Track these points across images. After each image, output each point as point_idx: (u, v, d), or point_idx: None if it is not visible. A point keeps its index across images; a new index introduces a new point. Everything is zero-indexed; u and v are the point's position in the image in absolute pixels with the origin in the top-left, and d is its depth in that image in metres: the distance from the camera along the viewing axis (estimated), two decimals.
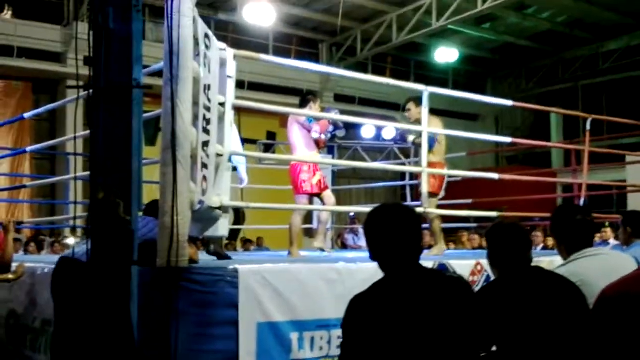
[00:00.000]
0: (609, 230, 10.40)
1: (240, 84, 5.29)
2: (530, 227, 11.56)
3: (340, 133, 6.92)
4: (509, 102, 7.81)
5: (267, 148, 15.00)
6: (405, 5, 17.23)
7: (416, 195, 8.05)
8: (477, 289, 3.93)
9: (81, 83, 3.43)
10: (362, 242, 9.76)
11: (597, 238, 9.60)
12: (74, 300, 3.43)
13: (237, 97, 4.86)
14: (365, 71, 19.12)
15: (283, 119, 17.17)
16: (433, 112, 6.34)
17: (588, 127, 7.86)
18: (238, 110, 4.93)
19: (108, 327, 3.03)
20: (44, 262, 5.50)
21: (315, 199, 6.66)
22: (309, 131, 6.23)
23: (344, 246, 12.87)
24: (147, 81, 3.47)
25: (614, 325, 1.84)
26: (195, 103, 3.94)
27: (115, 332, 3.03)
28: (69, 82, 14.40)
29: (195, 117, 3.96)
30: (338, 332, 3.96)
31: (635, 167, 11.46)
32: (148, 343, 3.41)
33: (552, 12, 18.66)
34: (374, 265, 2.46)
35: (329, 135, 6.76)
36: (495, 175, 7.10)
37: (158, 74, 4.29)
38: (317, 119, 6.26)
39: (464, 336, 2.30)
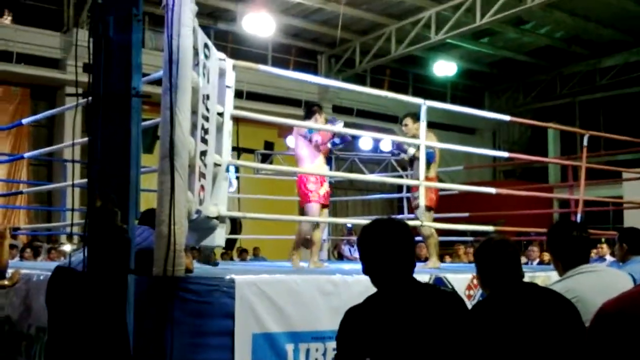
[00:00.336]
0: (605, 246, 10.41)
1: (238, 94, 5.30)
2: (527, 241, 11.58)
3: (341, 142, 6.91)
4: (506, 117, 7.83)
5: (265, 158, 15.00)
6: (404, 18, 17.32)
7: (412, 208, 8.05)
8: (473, 302, 3.93)
9: (80, 90, 3.43)
10: (357, 251, 9.75)
11: (593, 254, 9.61)
12: (69, 309, 3.42)
13: (235, 107, 4.87)
14: (363, 83, 19.19)
15: (281, 129, 17.23)
16: (429, 125, 6.35)
17: (585, 143, 7.88)
18: (236, 119, 4.93)
19: (103, 335, 3.02)
20: (40, 268, 5.48)
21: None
22: (310, 141, 6.23)
23: (341, 257, 12.86)
24: (145, 89, 3.48)
25: (612, 343, 1.83)
26: (194, 112, 3.94)
27: (110, 340, 3.02)
28: (68, 89, 14.43)
29: (194, 127, 3.97)
30: (333, 344, 3.93)
31: (632, 183, 11.48)
32: (143, 352, 3.39)
33: (550, 27, 18.76)
34: None
35: (337, 145, 6.76)
36: (492, 190, 7.10)
37: (157, 82, 4.30)
38: (318, 130, 6.26)
39: (456, 352, 2.30)
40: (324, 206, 6.38)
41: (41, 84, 15.62)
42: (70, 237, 11.83)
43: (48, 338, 3.93)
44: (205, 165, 4.19)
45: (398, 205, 17.33)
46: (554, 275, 3.29)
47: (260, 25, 15.30)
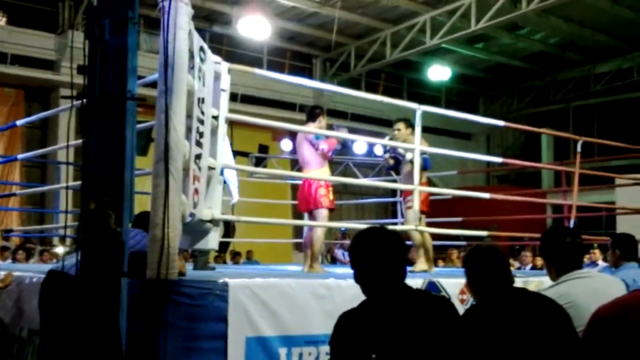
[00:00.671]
0: (597, 251, 10.44)
1: (233, 97, 5.31)
2: (520, 246, 11.60)
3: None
4: (500, 123, 7.85)
5: (259, 161, 15.00)
6: (399, 23, 17.35)
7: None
8: (467, 307, 3.93)
9: (75, 92, 3.43)
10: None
11: (586, 259, 9.63)
12: (62, 313, 3.41)
13: (230, 110, 4.86)
14: (358, 87, 19.21)
15: (275, 132, 17.23)
16: (424, 130, 6.36)
17: (579, 149, 7.91)
18: (231, 123, 4.93)
19: (96, 338, 3.01)
20: (33, 270, 5.46)
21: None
22: (317, 149, 6.20)
23: (334, 261, 12.86)
24: (140, 92, 3.48)
25: (606, 349, 1.83)
26: (189, 116, 3.94)
27: (103, 343, 3.01)
28: (62, 91, 14.39)
29: (189, 130, 3.97)
30: (326, 348, 3.94)
31: (625, 189, 11.53)
32: (136, 355, 3.39)
33: (544, 33, 18.83)
34: None
35: (337, 151, 6.74)
36: (486, 195, 7.12)
37: (152, 84, 4.30)
38: (326, 136, 6.25)
39: (448, 357, 2.30)
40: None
41: (35, 86, 15.58)
42: (63, 239, 11.82)
43: (40, 341, 3.92)
44: (199, 168, 4.19)
45: (392, 209, 17.35)
46: (547, 281, 3.30)
47: (255, 28, 15.32)
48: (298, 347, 4.00)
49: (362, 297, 2.46)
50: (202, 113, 4.24)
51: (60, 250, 11.20)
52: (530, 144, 23.01)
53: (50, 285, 3.88)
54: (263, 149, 16.61)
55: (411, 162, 6.50)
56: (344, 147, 6.72)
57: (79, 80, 3.27)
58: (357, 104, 18.71)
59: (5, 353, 5.10)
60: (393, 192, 12.86)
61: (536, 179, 21.23)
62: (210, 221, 4.44)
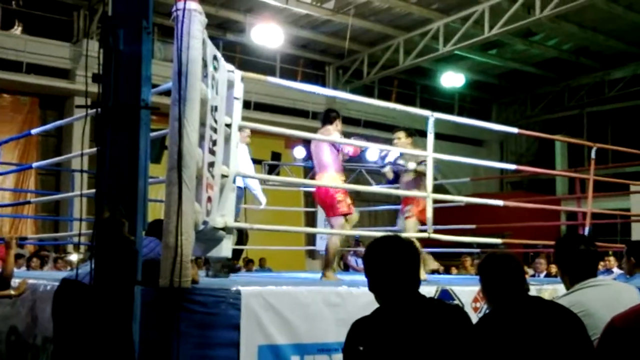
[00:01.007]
0: (612, 259, 10.36)
1: (246, 104, 5.33)
2: (534, 254, 11.54)
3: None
4: (514, 130, 7.82)
5: (272, 169, 15.01)
6: (412, 30, 17.35)
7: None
8: (480, 315, 3.91)
9: (89, 101, 3.45)
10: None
11: (601, 267, 9.56)
12: (76, 321, 3.42)
13: (243, 117, 4.87)
14: (371, 94, 19.22)
15: (288, 140, 17.23)
16: (437, 137, 6.35)
17: (593, 155, 7.86)
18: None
19: (110, 346, 3.02)
20: (47, 278, 5.49)
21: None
22: (339, 151, 6.21)
23: (347, 268, 12.84)
24: (154, 100, 3.49)
25: (622, 357, 1.83)
26: (202, 124, 3.96)
27: (116, 351, 3.03)
28: (77, 99, 14.49)
29: (202, 138, 3.98)
30: (339, 356, 3.93)
31: None
32: None
33: (558, 39, 18.76)
34: None
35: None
36: (499, 202, 7.09)
37: (165, 93, 4.32)
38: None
39: None
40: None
41: (50, 94, 15.70)
42: (77, 247, 11.88)
43: (54, 349, 3.94)
44: (212, 176, 4.20)
45: None
46: (561, 288, 3.28)
47: (268, 36, 15.36)
48: (311, 355, 4.00)
49: (375, 305, 2.46)
50: (215, 121, 4.26)
51: (74, 257, 11.26)
52: (544, 150, 22.91)
53: (63, 294, 3.90)
54: (276, 156, 16.62)
55: (415, 171, 6.54)
56: (358, 155, 6.72)
57: (94, 88, 3.30)
58: (370, 111, 18.71)
59: None
60: None
61: (550, 186, 21.11)
62: (223, 229, 4.45)
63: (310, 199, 11.36)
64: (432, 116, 6.14)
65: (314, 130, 6.82)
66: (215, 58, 4.29)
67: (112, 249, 3.07)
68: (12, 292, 5.11)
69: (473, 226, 8.91)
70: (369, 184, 14.52)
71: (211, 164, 4.16)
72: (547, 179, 21.11)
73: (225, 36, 17.07)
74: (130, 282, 3.11)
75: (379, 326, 2.32)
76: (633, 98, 20.58)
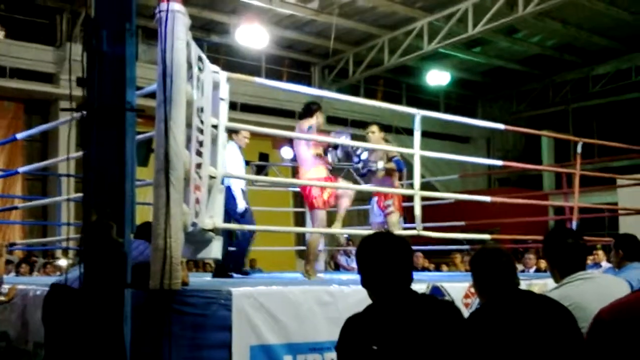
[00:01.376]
0: (600, 252, 10.43)
1: (232, 106, 5.31)
2: (523, 249, 11.58)
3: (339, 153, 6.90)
4: (501, 126, 7.85)
5: (260, 169, 14.98)
6: (396, 28, 17.37)
7: (409, 218, 8.06)
8: (471, 311, 3.92)
9: (74, 104, 3.44)
10: (355, 263, 9.75)
11: (589, 261, 9.62)
12: (66, 326, 3.40)
13: (230, 119, 4.86)
14: (357, 93, 19.23)
15: (275, 140, 17.20)
16: (424, 135, 6.36)
17: (579, 150, 7.91)
18: (230, 131, 4.93)
19: (101, 350, 3.00)
20: (36, 284, 5.46)
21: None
22: (308, 147, 6.22)
23: (337, 268, 12.83)
24: (139, 103, 3.48)
25: (609, 349, 1.83)
26: (188, 125, 3.95)
27: (108, 355, 3.01)
28: (61, 104, 14.41)
29: (188, 139, 3.97)
30: (331, 354, 3.93)
31: (626, 190, 11.52)
32: None
33: (541, 36, 18.84)
34: None
35: (340, 160, 6.74)
36: (487, 198, 7.12)
37: (151, 95, 4.30)
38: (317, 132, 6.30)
39: None
40: (331, 206, 6.35)
41: (35, 99, 15.59)
42: (66, 252, 11.82)
43: (45, 354, 3.92)
44: (200, 177, 4.19)
45: None
46: (551, 283, 3.29)
47: (253, 37, 15.35)
48: (303, 355, 4.00)
49: (366, 303, 2.46)
50: (202, 122, 4.25)
51: (63, 262, 11.19)
52: (530, 146, 23.02)
53: (53, 299, 3.88)
54: (263, 157, 16.59)
55: (384, 170, 6.63)
56: (348, 154, 6.70)
57: (79, 92, 3.28)
58: (357, 110, 18.71)
59: None
60: None
61: (537, 182, 21.22)
62: (212, 230, 4.44)
63: (299, 199, 11.32)
64: (419, 114, 6.15)
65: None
66: (200, 59, 4.28)
67: (100, 252, 3.05)
68: (2, 298, 5.09)
69: (462, 223, 8.93)
70: (358, 183, 14.53)
71: (198, 166, 4.15)
72: (534, 175, 21.20)
73: (210, 38, 17.02)
74: (119, 285, 3.09)
75: (372, 323, 2.32)
76: (617, 93, 20.73)
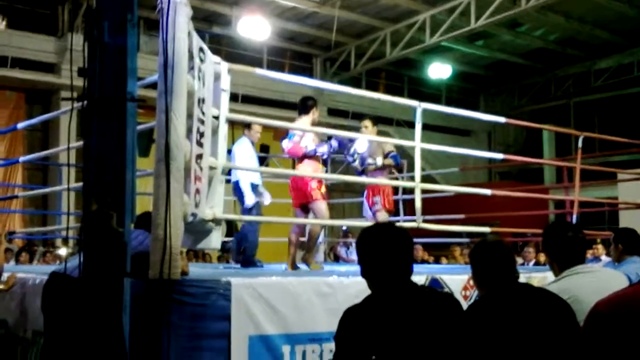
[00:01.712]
0: (600, 246, 10.44)
1: (233, 97, 5.30)
2: (523, 242, 11.59)
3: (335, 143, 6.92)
4: (502, 119, 7.85)
5: (261, 161, 14.97)
6: (399, 21, 17.34)
7: (409, 210, 8.07)
8: (469, 303, 3.93)
9: (75, 94, 3.44)
10: (355, 255, 9.77)
11: (589, 254, 9.63)
12: (65, 315, 3.42)
13: (231, 110, 4.87)
14: (358, 86, 19.19)
15: (276, 132, 17.20)
16: (425, 127, 6.36)
17: (580, 144, 7.90)
18: (231, 123, 4.93)
19: (100, 339, 3.02)
20: (36, 272, 5.48)
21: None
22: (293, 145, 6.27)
23: (337, 259, 12.86)
24: (140, 93, 3.48)
25: (605, 342, 1.84)
26: (189, 116, 3.95)
27: (107, 344, 3.02)
28: (62, 94, 14.41)
29: (189, 130, 3.97)
30: (330, 345, 3.95)
31: (627, 184, 11.52)
32: (140, 355, 3.40)
33: (544, 30, 18.81)
34: None
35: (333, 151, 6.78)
36: (487, 191, 7.12)
37: (152, 86, 4.30)
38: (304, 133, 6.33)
39: (453, 353, 2.32)
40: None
41: (36, 89, 15.59)
42: (65, 241, 11.84)
43: (44, 342, 3.94)
44: (200, 168, 4.20)
45: (395, 207, 17.31)
46: (550, 276, 3.30)
47: (255, 29, 15.33)
48: (301, 345, 4.02)
49: (365, 294, 2.47)
50: (203, 113, 4.25)
51: (63, 251, 11.22)
52: (531, 140, 23.00)
53: (52, 288, 3.89)
54: (264, 148, 16.60)
55: (383, 165, 6.65)
56: (341, 146, 6.73)
57: (80, 82, 3.28)
58: (358, 102, 18.71)
59: (10, 354, 5.12)
60: (394, 190, 12.86)
61: (538, 175, 21.21)
62: (212, 220, 4.45)
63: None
64: (420, 106, 6.15)
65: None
66: (201, 50, 4.28)
67: (100, 241, 3.06)
68: (1, 286, 5.11)
69: (462, 216, 8.95)
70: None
71: (199, 156, 4.16)
72: (535, 169, 21.19)
73: (212, 29, 16.99)
74: (119, 274, 3.11)
75: (371, 314, 2.33)
76: (619, 88, 20.69)
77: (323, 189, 6.27)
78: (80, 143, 3.57)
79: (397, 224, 6.08)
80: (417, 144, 6.13)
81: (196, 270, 5.89)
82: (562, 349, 2.53)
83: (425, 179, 6.88)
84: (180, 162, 3.66)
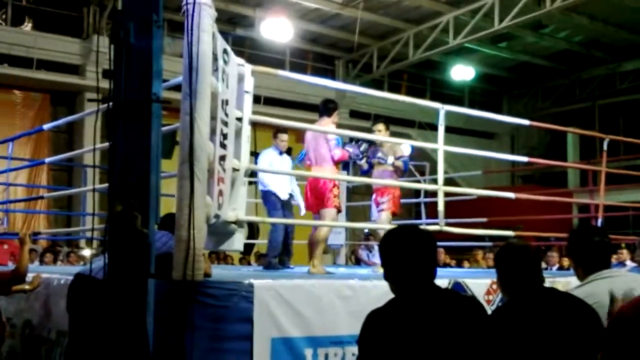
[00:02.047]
0: (625, 251, 10.31)
1: (256, 99, 5.30)
2: (546, 247, 11.49)
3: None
4: (526, 122, 7.79)
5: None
6: (422, 23, 17.28)
7: (431, 212, 8.04)
8: (493, 308, 3.90)
9: (100, 96, 3.47)
10: (376, 258, 9.74)
11: (614, 259, 9.51)
12: (90, 316, 3.44)
13: (253, 112, 4.87)
14: (381, 88, 19.16)
15: (298, 134, 17.23)
16: (447, 130, 6.33)
17: (605, 147, 7.82)
18: (254, 124, 4.94)
19: (124, 339, 3.04)
20: (60, 273, 5.53)
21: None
22: (330, 151, 6.23)
23: (358, 262, 12.84)
24: (164, 95, 3.50)
25: (630, 345, 1.82)
26: (213, 118, 3.97)
27: (131, 344, 3.04)
28: (87, 95, 14.54)
29: (213, 132, 3.99)
30: (352, 348, 3.95)
31: None
32: (163, 356, 3.41)
33: (568, 31, 18.64)
34: None
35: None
36: (511, 195, 7.06)
37: (175, 87, 4.32)
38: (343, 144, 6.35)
39: (478, 357, 2.30)
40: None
41: (61, 90, 15.76)
42: (89, 242, 11.95)
43: (68, 342, 3.97)
44: (224, 170, 4.21)
45: (416, 209, 17.25)
46: (574, 281, 3.26)
47: (278, 30, 15.37)
48: (324, 348, 4.01)
49: (387, 298, 2.45)
50: (226, 115, 4.26)
51: (87, 252, 11.32)
52: (555, 143, 22.78)
53: (77, 289, 3.92)
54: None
55: (392, 165, 6.62)
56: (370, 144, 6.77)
57: (105, 84, 3.30)
58: (380, 104, 18.67)
59: (34, 354, 5.17)
60: (416, 193, 12.79)
61: (562, 179, 21.00)
62: (234, 222, 4.46)
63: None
64: (443, 109, 6.12)
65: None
66: (225, 52, 4.29)
67: (125, 242, 3.08)
68: (27, 286, 5.15)
69: (484, 219, 8.89)
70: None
71: (222, 158, 4.17)
72: (558, 172, 21.00)
73: (235, 31, 17.06)
74: (143, 275, 3.12)
75: (395, 317, 2.32)
76: None
77: (341, 197, 6.26)
78: (105, 144, 3.59)
79: (421, 226, 6.07)
80: (440, 146, 6.10)
81: (218, 272, 5.92)
82: (588, 354, 2.50)
83: (448, 181, 6.85)
84: (203, 164, 3.68)
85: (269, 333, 3.80)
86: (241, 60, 4.76)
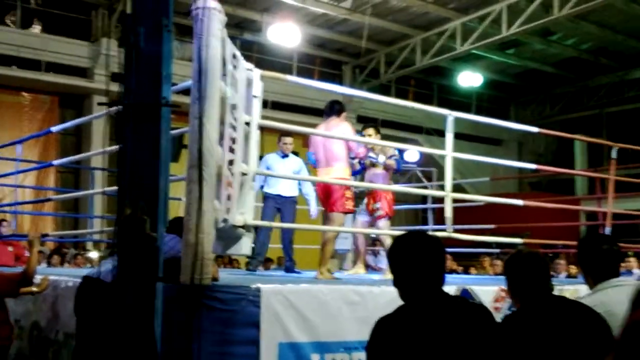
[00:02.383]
0: (633, 260, 10.27)
1: (263, 103, 5.30)
2: (553, 254, 11.45)
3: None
4: (534, 129, 7.76)
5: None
6: (429, 29, 17.29)
7: (438, 219, 8.02)
8: (501, 315, 3.89)
9: (108, 99, 3.48)
10: (382, 263, 9.73)
11: (622, 268, 9.48)
12: (98, 319, 3.45)
13: (261, 117, 4.87)
14: (388, 93, 19.16)
15: (305, 138, 17.25)
16: (454, 136, 6.32)
17: (614, 155, 7.79)
18: (262, 129, 4.94)
19: (131, 343, 3.04)
20: (67, 275, 5.54)
21: None
22: (350, 150, 6.21)
23: (366, 267, 12.81)
24: (173, 99, 3.51)
25: None
26: (222, 122, 3.97)
27: (138, 348, 3.04)
28: (95, 98, 14.60)
29: (221, 136, 3.99)
30: (359, 354, 3.93)
31: None
32: (170, 359, 3.41)
33: (576, 39, 18.62)
34: None
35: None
36: (519, 202, 7.04)
37: (184, 91, 4.33)
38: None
39: None
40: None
41: (69, 93, 15.83)
42: (96, 244, 11.97)
43: (76, 345, 3.97)
44: (232, 174, 4.21)
45: (422, 215, 17.22)
46: (582, 289, 3.26)
47: (285, 35, 15.39)
48: (331, 354, 4.00)
49: (395, 304, 2.44)
50: (235, 119, 4.27)
51: (94, 254, 11.33)
52: (562, 150, 22.74)
53: (86, 291, 3.93)
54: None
55: (384, 166, 6.63)
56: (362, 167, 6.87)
57: (112, 87, 3.31)
58: (387, 110, 18.68)
59: (42, 355, 5.18)
60: (423, 199, 12.79)
61: (569, 186, 20.95)
62: (242, 227, 4.45)
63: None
64: (451, 115, 6.10)
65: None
66: (234, 56, 4.30)
67: (134, 245, 3.08)
68: (34, 288, 5.16)
69: (492, 226, 8.87)
70: None
71: (231, 162, 4.17)
72: (566, 179, 20.95)
73: (243, 35, 17.10)
74: (151, 279, 3.12)
75: (404, 324, 2.31)
76: None
77: (348, 204, 6.19)
78: (113, 147, 3.60)
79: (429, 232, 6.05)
80: (449, 153, 6.08)
81: (225, 276, 5.92)
82: None
83: (455, 188, 6.82)
84: (212, 168, 3.68)
85: (276, 338, 3.79)
86: (250, 65, 4.76)
